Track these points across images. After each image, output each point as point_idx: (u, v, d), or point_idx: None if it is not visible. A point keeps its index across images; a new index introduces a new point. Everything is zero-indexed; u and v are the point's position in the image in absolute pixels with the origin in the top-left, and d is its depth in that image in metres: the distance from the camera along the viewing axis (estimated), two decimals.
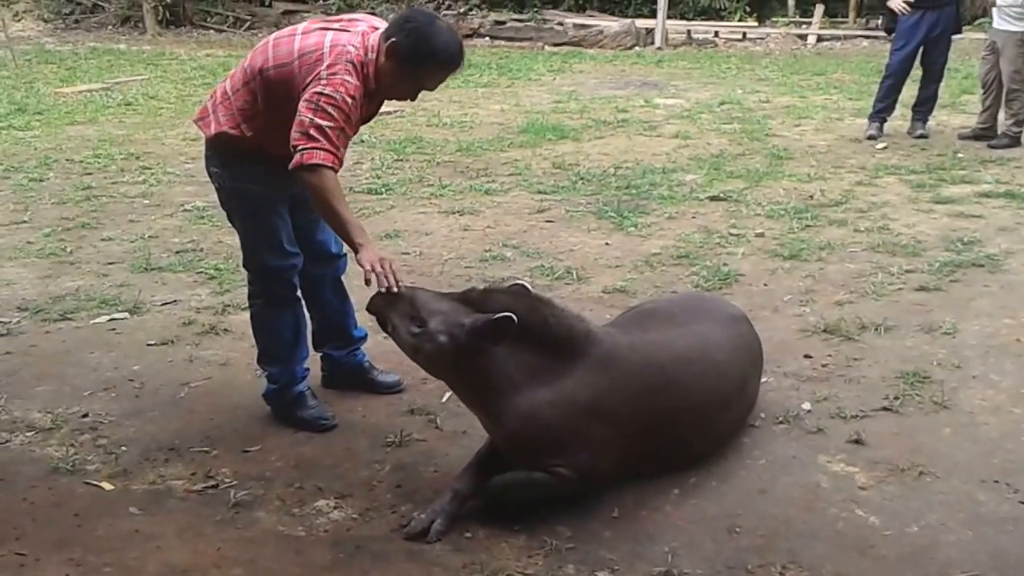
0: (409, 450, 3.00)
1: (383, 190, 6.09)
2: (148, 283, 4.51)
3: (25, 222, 5.57)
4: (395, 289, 2.64)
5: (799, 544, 2.50)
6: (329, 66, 2.68)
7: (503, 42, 14.76)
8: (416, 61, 2.72)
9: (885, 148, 7.17)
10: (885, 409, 3.19)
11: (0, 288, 4.48)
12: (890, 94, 7.48)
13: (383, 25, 2.83)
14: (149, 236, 5.26)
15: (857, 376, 3.43)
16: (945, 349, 3.64)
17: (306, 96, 2.67)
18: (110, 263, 4.83)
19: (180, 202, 5.94)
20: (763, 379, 3.24)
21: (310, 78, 2.69)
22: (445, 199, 5.94)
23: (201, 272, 4.64)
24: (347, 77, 2.67)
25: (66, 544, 2.52)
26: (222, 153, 2.97)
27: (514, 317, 2.46)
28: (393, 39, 2.71)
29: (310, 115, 2.65)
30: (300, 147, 2.66)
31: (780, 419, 3.12)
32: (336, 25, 2.83)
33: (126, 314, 4.13)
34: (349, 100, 2.67)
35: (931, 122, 7.65)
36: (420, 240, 5.14)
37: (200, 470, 2.89)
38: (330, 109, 2.64)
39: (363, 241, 2.69)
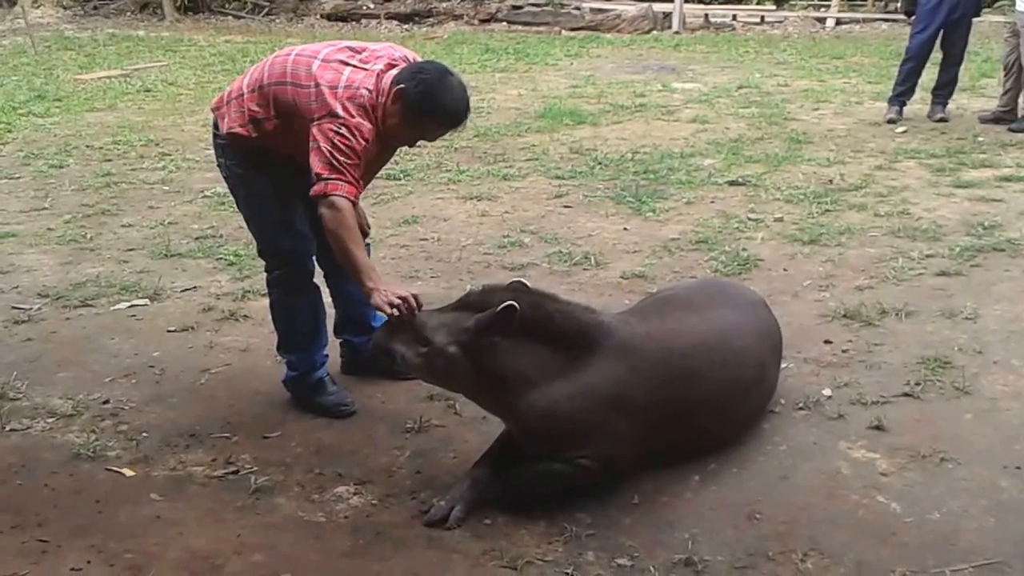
0: (428, 436, 3.00)
1: (401, 176, 6.09)
2: (168, 269, 4.54)
3: (45, 209, 5.61)
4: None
5: (820, 531, 2.49)
6: (344, 107, 2.71)
7: (520, 27, 14.69)
8: (420, 112, 2.74)
9: (905, 132, 7.10)
10: (906, 395, 3.17)
11: (21, 275, 4.52)
12: (910, 77, 7.40)
13: (401, 62, 2.84)
14: (169, 222, 5.28)
15: (878, 362, 3.41)
16: (966, 334, 3.61)
17: (321, 131, 2.71)
18: (130, 249, 4.86)
19: (199, 188, 5.97)
20: (783, 365, 3.22)
21: (324, 113, 2.72)
22: (463, 184, 5.93)
23: (221, 258, 4.66)
24: (362, 121, 2.72)
25: (87, 530, 2.54)
26: (231, 148, 2.98)
27: (516, 305, 2.45)
28: (401, 86, 2.73)
29: (329, 148, 2.69)
30: (324, 176, 2.70)
31: (800, 405, 3.11)
32: (355, 60, 2.83)
33: (146, 300, 4.15)
34: (363, 143, 2.73)
35: (951, 105, 7.57)
36: (438, 226, 5.14)
37: (220, 456, 2.91)
38: (347, 149, 2.70)
39: (373, 285, 2.71)
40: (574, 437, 2.57)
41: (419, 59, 2.91)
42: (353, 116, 2.70)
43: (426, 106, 2.72)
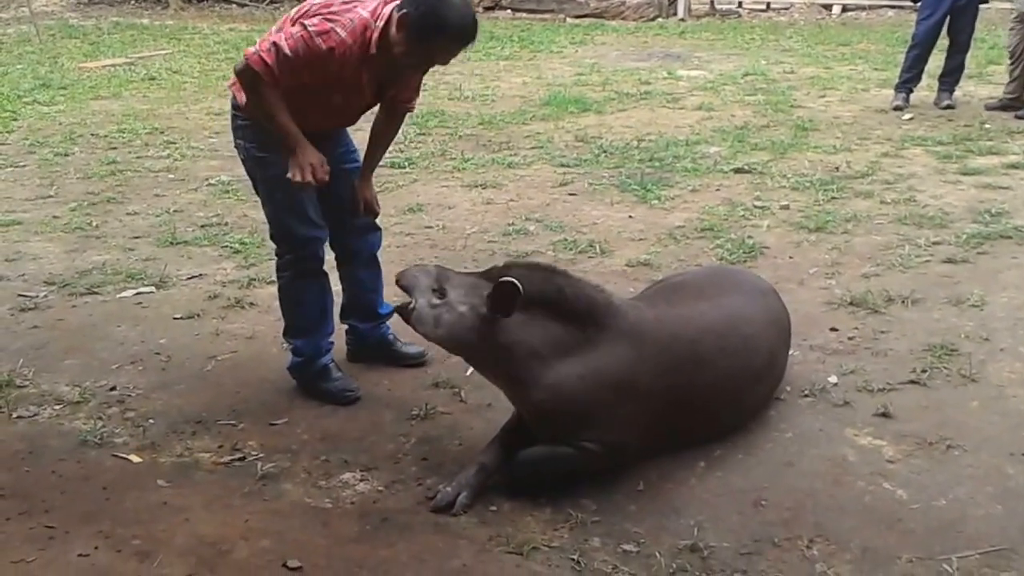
0: (434, 423, 3.00)
1: (406, 164, 6.08)
2: (174, 257, 4.54)
3: (51, 196, 5.61)
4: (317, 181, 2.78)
5: (826, 517, 2.49)
6: (331, 14, 2.70)
7: (524, 14, 14.61)
8: (425, 34, 2.70)
9: (911, 119, 7.07)
10: (912, 382, 3.16)
11: (27, 262, 4.53)
12: (916, 64, 7.36)
13: None
14: (174, 210, 5.28)
15: (884, 349, 3.40)
16: (973, 321, 3.60)
17: (292, 26, 2.72)
18: (136, 237, 4.86)
19: (204, 176, 5.96)
20: (790, 352, 3.21)
21: (307, 16, 2.72)
22: (468, 173, 5.92)
23: (226, 246, 4.66)
24: (339, 30, 2.69)
25: (95, 517, 2.55)
26: (249, 128, 2.98)
27: (515, 281, 2.44)
28: (404, 11, 2.69)
29: (281, 34, 2.70)
30: (258, 45, 2.71)
31: (806, 392, 3.10)
32: None
33: (152, 288, 4.16)
34: (323, 49, 2.68)
35: (958, 92, 7.53)
36: (443, 214, 5.13)
37: (227, 443, 2.92)
38: (302, 43, 2.67)
39: (293, 146, 2.76)
40: (580, 418, 2.57)
41: None
42: (333, 21, 2.68)
43: (431, 26, 2.67)
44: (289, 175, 2.80)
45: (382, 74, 2.88)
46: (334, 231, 3.18)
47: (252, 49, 2.72)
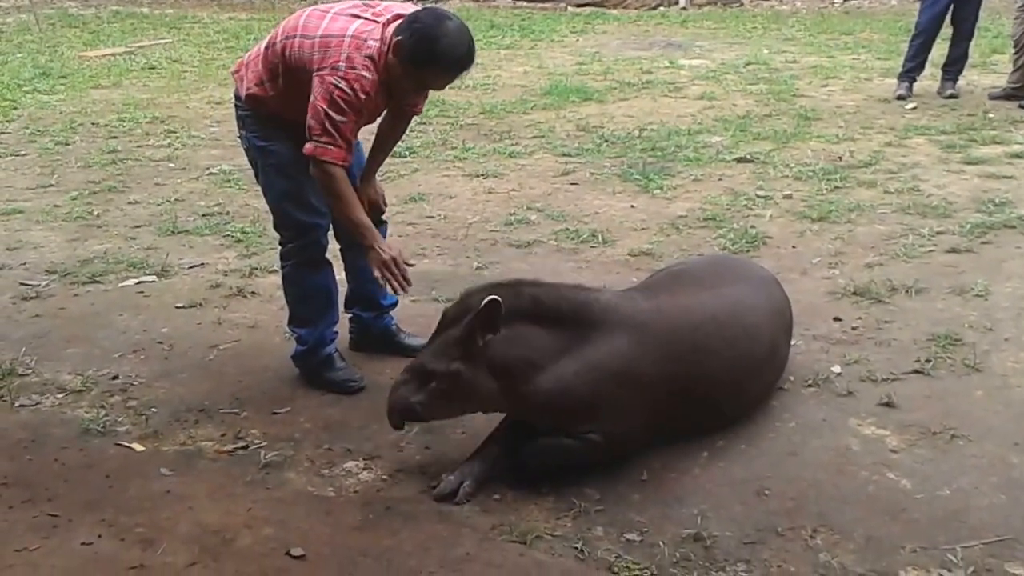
0: None
1: (407, 153, 6.06)
2: (175, 246, 4.53)
3: (52, 186, 5.60)
4: (405, 288, 2.76)
5: (829, 507, 2.48)
6: (348, 58, 2.69)
7: (525, 3, 14.56)
8: (418, 61, 2.70)
9: (915, 108, 7.04)
10: (916, 372, 3.15)
11: (28, 251, 4.52)
12: (920, 53, 7.33)
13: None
14: (175, 199, 5.27)
15: (888, 339, 3.39)
16: (977, 311, 3.59)
17: (322, 81, 2.69)
18: (137, 226, 4.85)
19: (205, 165, 5.95)
20: (793, 342, 3.20)
21: (327, 62, 2.71)
22: (469, 162, 5.90)
23: (228, 235, 4.65)
24: (364, 73, 2.69)
25: (98, 505, 2.55)
26: (251, 113, 2.98)
27: (495, 298, 2.41)
28: (399, 37, 2.70)
29: (324, 106, 2.69)
30: (315, 137, 2.73)
31: (810, 382, 3.10)
32: (368, 13, 2.81)
33: (154, 277, 4.15)
34: (363, 96, 2.71)
35: (961, 82, 7.49)
36: (444, 203, 5.12)
37: (230, 431, 2.92)
38: (344, 104, 2.69)
39: (369, 243, 2.75)
40: (583, 413, 2.56)
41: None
42: (355, 68, 2.68)
43: (424, 54, 2.67)
44: (376, 274, 2.78)
45: (394, 89, 2.88)
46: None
47: (309, 148, 2.72)
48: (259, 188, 3.16)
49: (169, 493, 2.60)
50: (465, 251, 4.40)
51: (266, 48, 2.91)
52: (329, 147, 2.72)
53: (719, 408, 2.80)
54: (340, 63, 2.68)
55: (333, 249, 3.21)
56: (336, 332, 3.24)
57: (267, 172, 3.03)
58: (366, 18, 2.78)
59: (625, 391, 2.58)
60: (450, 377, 2.52)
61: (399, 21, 2.75)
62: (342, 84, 2.67)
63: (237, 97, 3.02)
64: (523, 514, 2.48)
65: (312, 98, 2.71)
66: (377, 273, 2.75)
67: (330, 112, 2.69)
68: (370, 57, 2.70)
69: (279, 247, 3.17)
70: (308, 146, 2.74)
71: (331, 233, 3.17)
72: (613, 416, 2.58)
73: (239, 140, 3.12)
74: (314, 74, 2.72)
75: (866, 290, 3.77)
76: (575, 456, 2.60)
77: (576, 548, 2.34)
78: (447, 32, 2.68)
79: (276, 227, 3.15)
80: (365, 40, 2.71)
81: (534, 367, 2.52)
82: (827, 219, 4.65)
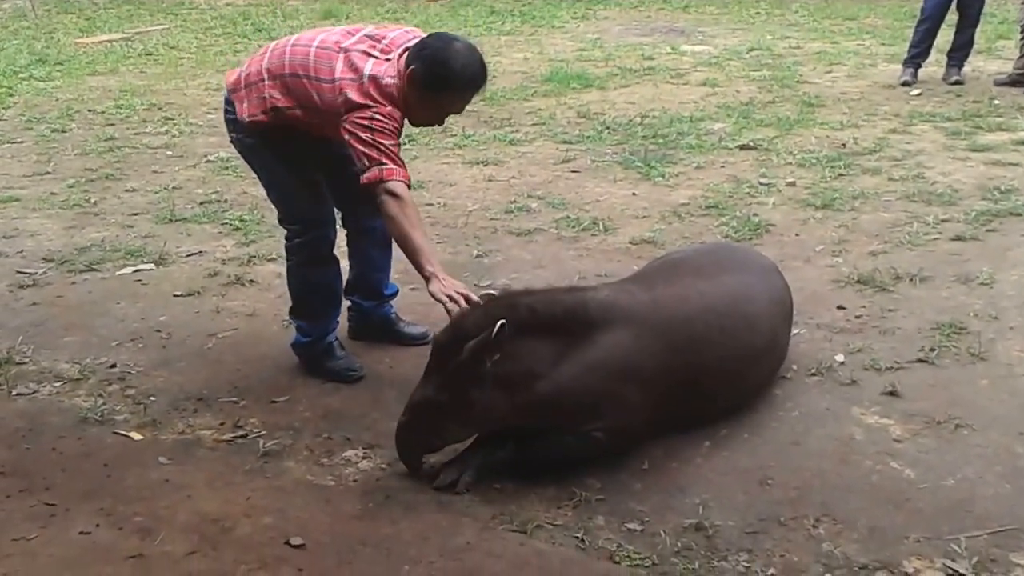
0: None
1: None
2: (173, 234, 4.50)
3: (49, 173, 5.57)
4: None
5: (833, 497, 2.46)
6: (372, 97, 2.69)
7: None
8: (434, 87, 2.70)
9: (919, 95, 6.99)
10: (920, 361, 3.13)
11: (25, 239, 4.49)
12: (925, 39, 7.28)
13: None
14: (173, 187, 5.24)
15: (892, 327, 3.37)
16: (982, 300, 3.56)
17: (356, 120, 2.68)
18: (134, 214, 4.82)
19: (203, 153, 5.92)
20: (795, 331, 3.19)
21: (353, 106, 2.69)
22: (469, 149, 5.86)
23: (226, 223, 4.62)
24: (393, 108, 2.70)
25: (96, 494, 2.53)
26: (253, 132, 2.92)
27: (504, 322, 2.37)
28: (412, 67, 2.69)
29: (369, 134, 2.67)
30: (373, 163, 2.67)
31: (813, 371, 3.07)
32: (376, 51, 2.78)
33: (152, 265, 4.13)
34: (398, 128, 2.73)
35: (966, 68, 7.44)
36: (444, 191, 5.09)
37: (229, 420, 2.90)
38: (386, 131, 2.69)
39: (433, 271, 2.65)
40: (587, 412, 2.54)
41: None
42: (385, 104, 2.69)
43: (439, 79, 2.69)
44: (444, 303, 2.61)
45: (413, 120, 2.89)
46: (348, 208, 3.14)
47: (374, 174, 2.67)
48: (257, 178, 3.12)
49: (167, 482, 2.58)
50: (465, 239, 4.37)
51: (272, 79, 2.83)
52: (393, 167, 2.68)
53: (718, 398, 2.77)
54: (368, 102, 2.68)
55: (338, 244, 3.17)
56: (338, 322, 3.21)
57: (267, 170, 3.01)
58: (376, 56, 2.76)
59: (627, 387, 2.56)
60: (463, 404, 2.48)
61: (407, 53, 2.75)
62: (379, 116, 2.68)
63: (227, 101, 2.96)
64: (523, 504, 2.47)
65: (352, 136, 2.68)
66: (442, 299, 2.60)
67: (379, 139, 2.67)
68: (391, 95, 2.70)
69: (284, 241, 3.12)
70: (371, 174, 2.67)
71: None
72: (616, 412, 2.56)
73: (231, 144, 3.07)
74: (343, 119, 2.70)
75: (870, 278, 3.74)
76: (578, 452, 2.58)
77: (577, 538, 2.33)
78: (457, 53, 2.70)
79: (282, 222, 3.11)
80: (382, 79, 2.71)
81: (537, 376, 2.49)
82: (831, 207, 4.62)
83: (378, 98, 2.69)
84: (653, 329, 2.61)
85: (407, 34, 2.87)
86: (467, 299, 2.58)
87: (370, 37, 2.83)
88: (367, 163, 2.67)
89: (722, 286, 2.86)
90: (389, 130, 2.69)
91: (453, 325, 2.54)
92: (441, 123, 2.97)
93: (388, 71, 2.73)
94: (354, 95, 2.69)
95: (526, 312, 2.51)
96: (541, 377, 2.49)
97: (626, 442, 2.64)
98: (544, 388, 2.49)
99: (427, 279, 2.65)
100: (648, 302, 2.67)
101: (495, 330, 2.37)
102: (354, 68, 2.73)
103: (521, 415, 2.56)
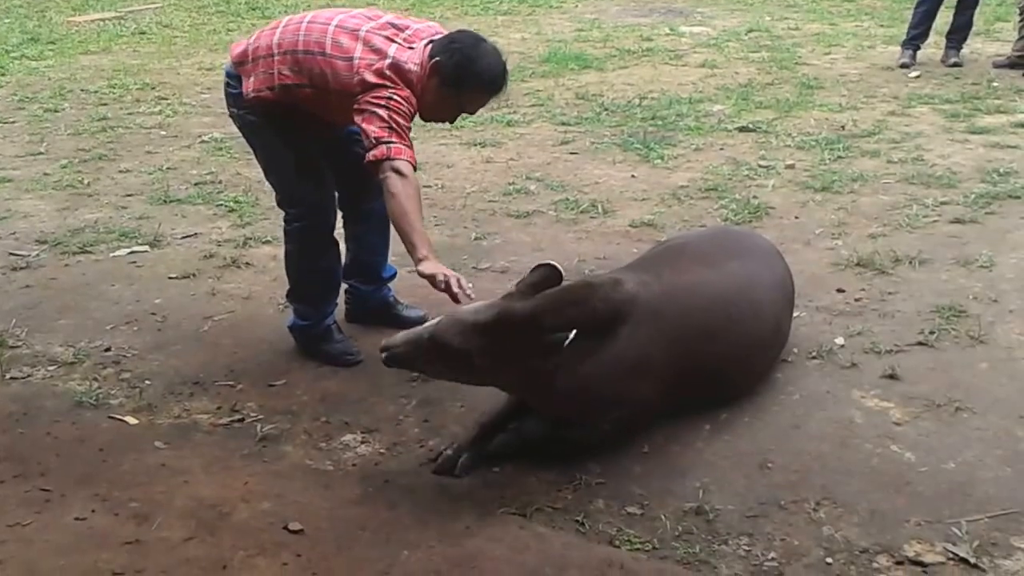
0: (435, 385, 2.94)
1: None
2: (167, 216, 4.46)
3: (41, 153, 5.52)
4: (468, 295, 2.55)
5: (833, 480, 2.46)
6: (391, 79, 2.67)
7: None
8: (458, 83, 2.71)
9: (918, 77, 6.96)
10: (920, 344, 3.12)
11: (18, 220, 4.45)
12: (924, 21, 7.24)
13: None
14: (167, 168, 5.19)
15: (891, 310, 3.35)
16: (981, 282, 3.55)
17: (373, 98, 2.66)
18: (128, 195, 4.78)
19: (197, 133, 5.86)
20: (795, 314, 3.16)
21: (371, 85, 2.66)
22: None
23: (221, 205, 4.58)
24: (410, 95, 2.70)
25: (91, 479, 2.51)
26: (256, 109, 2.88)
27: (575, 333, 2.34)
28: (437, 59, 2.69)
29: (386, 112, 2.65)
30: (384, 139, 2.64)
31: (813, 354, 3.06)
32: (400, 38, 2.77)
33: (146, 247, 4.09)
34: (412, 113, 2.72)
35: (965, 50, 7.41)
36: (442, 173, 5.05)
37: (225, 404, 2.87)
38: (402, 111, 2.67)
39: (426, 254, 2.62)
40: (604, 408, 2.54)
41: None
42: (402, 88, 2.67)
43: (464, 75, 2.69)
44: (443, 285, 2.58)
45: (425, 115, 2.87)
46: (348, 191, 3.10)
47: (381, 151, 2.63)
48: (252, 156, 3.08)
49: (164, 467, 2.56)
50: (463, 221, 4.34)
51: (282, 54, 2.78)
52: (402, 147, 2.65)
53: (725, 386, 2.77)
54: (386, 83, 2.66)
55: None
56: (336, 304, 3.19)
57: (267, 151, 2.97)
58: (399, 43, 2.75)
59: (640, 381, 2.55)
60: (480, 367, 2.43)
61: (433, 45, 2.73)
62: (396, 97, 2.66)
63: (229, 75, 2.91)
64: (523, 487, 2.45)
65: (366, 112, 2.65)
66: (436, 278, 2.58)
67: (395, 117, 2.65)
68: (410, 82, 2.69)
69: (283, 224, 3.08)
70: (377, 151, 2.63)
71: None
72: (627, 406, 2.56)
73: (231, 119, 3.02)
74: (360, 97, 2.67)
75: (869, 261, 3.73)
76: (582, 444, 2.57)
77: (577, 521, 2.32)
78: (485, 53, 2.72)
79: (280, 204, 3.07)
80: (405, 63, 2.70)
81: (559, 367, 2.44)
82: (830, 189, 4.60)
83: (397, 81, 2.67)
84: (667, 322, 2.59)
85: (431, 28, 2.87)
86: (459, 282, 2.56)
87: (393, 25, 2.82)
88: (375, 141, 2.64)
89: (729, 274, 2.84)
90: (404, 112, 2.67)
91: (584, 284, 2.63)
92: (452, 121, 2.96)
93: (412, 58, 2.72)
94: (373, 76, 2.66)
95: (589, 316, 2.47)
96: (562, 368, 2.46)
97: (630, 432, 2.63)
98: (565, 381, 2.46)
99: (419, 261, 2.62)
100: (661, 295, 2.64)
101: (570, 338, 2.34)
102: (376, 50, 2.71)
103: (536, 401, 2.55)
